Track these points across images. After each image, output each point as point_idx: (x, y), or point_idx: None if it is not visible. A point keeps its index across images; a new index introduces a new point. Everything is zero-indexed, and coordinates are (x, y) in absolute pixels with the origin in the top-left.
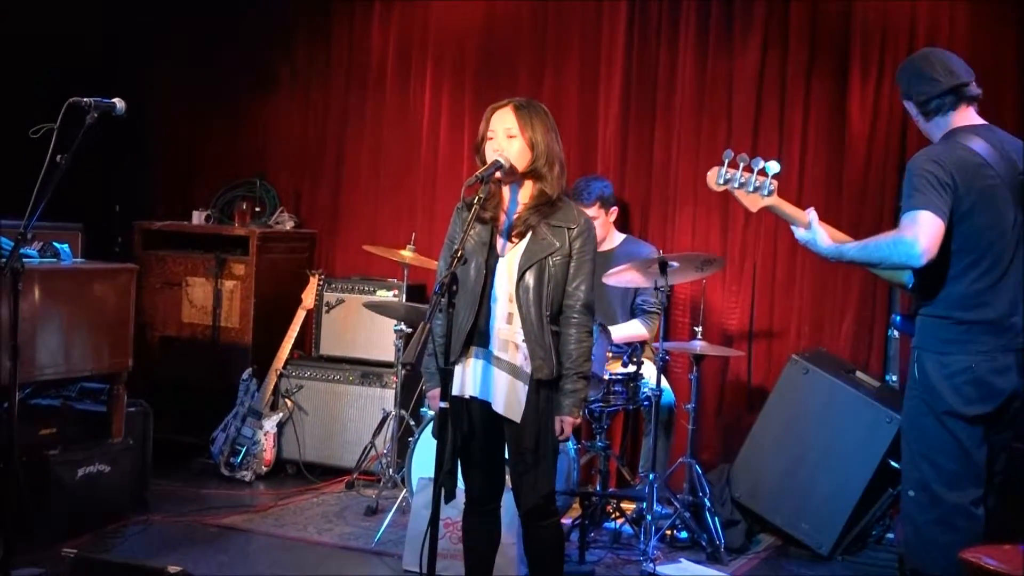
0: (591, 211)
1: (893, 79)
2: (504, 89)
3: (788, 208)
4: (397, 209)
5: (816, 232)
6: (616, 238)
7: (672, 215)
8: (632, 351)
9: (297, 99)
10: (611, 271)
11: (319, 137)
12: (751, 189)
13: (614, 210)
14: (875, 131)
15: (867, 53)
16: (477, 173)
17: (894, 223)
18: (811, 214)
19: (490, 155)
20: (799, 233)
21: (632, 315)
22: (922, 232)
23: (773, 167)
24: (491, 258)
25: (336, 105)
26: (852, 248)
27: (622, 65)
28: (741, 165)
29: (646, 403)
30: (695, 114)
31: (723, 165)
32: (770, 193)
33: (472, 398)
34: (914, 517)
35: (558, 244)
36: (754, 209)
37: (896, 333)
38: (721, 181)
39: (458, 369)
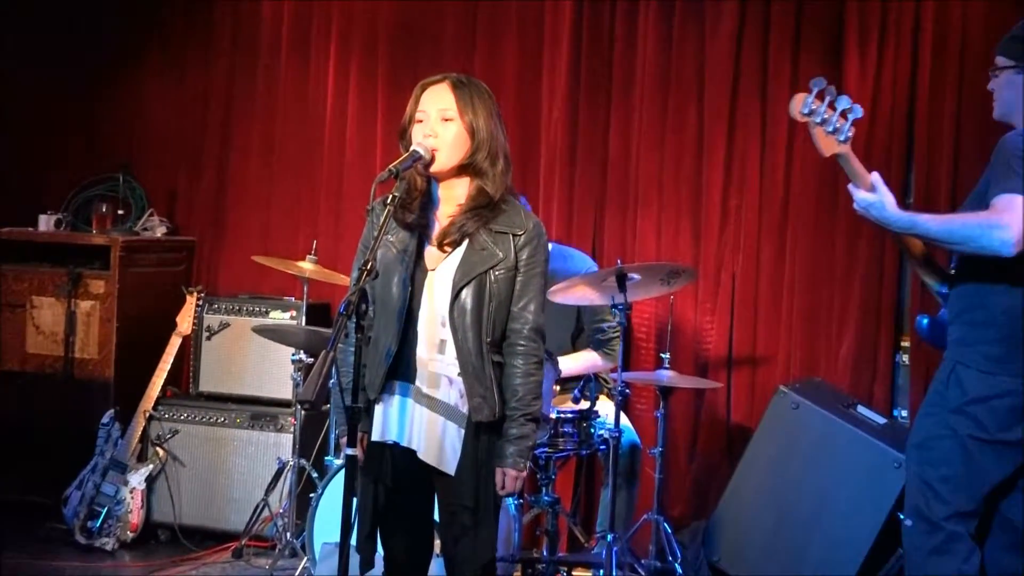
0: None
1: (896, 49)
2: (425, 67)
3: (856, 163)
4: (295, 211)
5: (883, 195)
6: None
7: (632, 217)
8: (584, 384)
9: (170, 78)
10: (557, 286)
11: (198, 124)
12: (830, 129)
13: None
14: (876, 113)
15: (865, 21)
16: (391, 166)
17: None
18: (875, 176)
19: (418, 140)
20: (860, 196)
21: (574, 343)
22: (1019, 220)
23: (857, 111)
24: (417, 272)
25: (219, 86)
26: (929, 220)
27: (569, 36)
28: (827, 99)
29: (603, 447)
30: (659, 95)
31: (811, 93)
32: (846, 140)
33: (394, 444)
34: (913, 548)
35: (501, 255)
36: (827, 153)
37: (906, 358)
38: (806, 111)
39: (377, 409)
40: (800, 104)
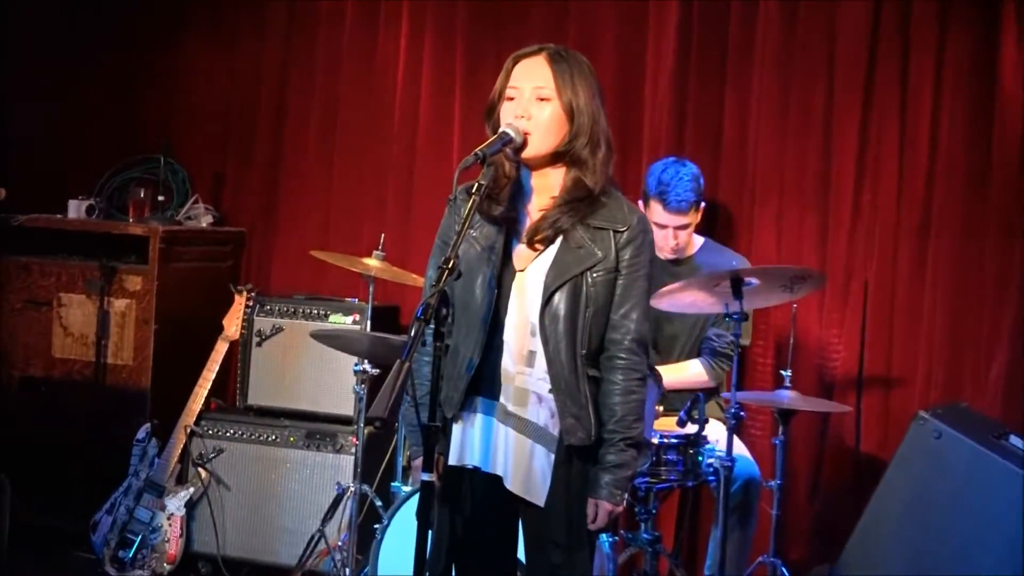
0: (688, 219)
1: None
2: (510, 34)
3: None
4: (359, 200)
5: None
6: (695, 242)
7: (748, 213)
8: (692, 404)
9: (218, 47)
10: (663, 290)
11: (249, 100)
12: None
13: (702, 206)
14: None
15: None
16: (477, 149)
17: None
18: None
19: (508, 121)
20: None
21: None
22: None
23: None
24: (505, 273)
25: (273, 57)
26: None
27: (678, 6)
28: None
29: (712, 479)
30: (781, 72)
31: None
32: None
33: (475, 469)
34: None
35: (600, 254)
36: None
37: None
38: None
39: (456, 429)
40: None
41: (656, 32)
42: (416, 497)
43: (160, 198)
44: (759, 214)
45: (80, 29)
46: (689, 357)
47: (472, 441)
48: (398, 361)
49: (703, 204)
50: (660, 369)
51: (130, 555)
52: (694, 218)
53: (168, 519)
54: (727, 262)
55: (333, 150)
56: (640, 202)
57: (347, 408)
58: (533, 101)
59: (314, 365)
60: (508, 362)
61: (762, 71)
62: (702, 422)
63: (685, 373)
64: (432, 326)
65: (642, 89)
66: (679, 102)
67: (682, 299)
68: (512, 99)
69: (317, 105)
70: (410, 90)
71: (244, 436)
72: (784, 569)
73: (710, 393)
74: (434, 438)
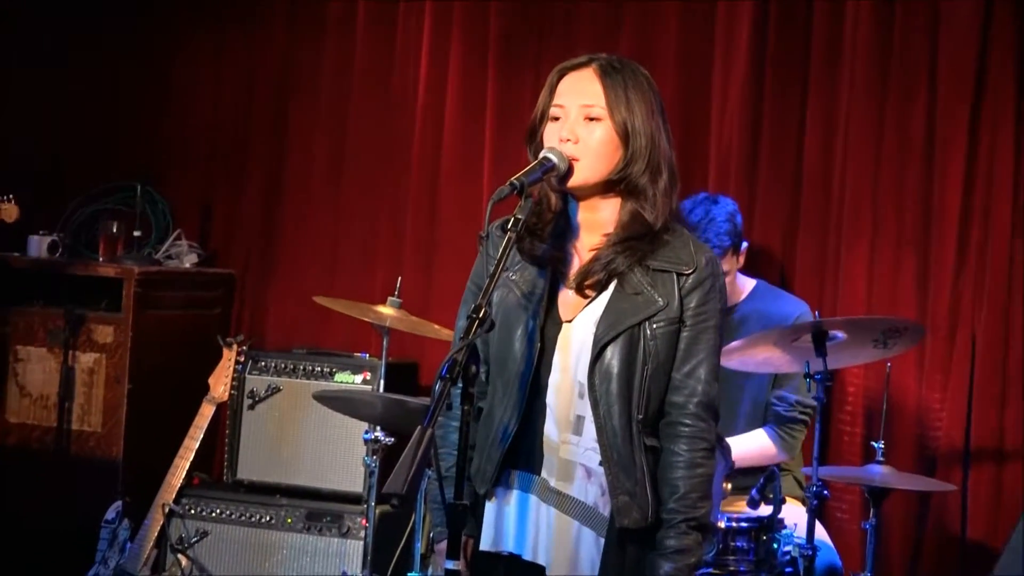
0: (725, 266)
1: None
2: (554, 43)
3: None
4: (372, 237)
5: None
6: (743, 286)
7: (835, 250)
8: (766, 480)
9: (206, 55)
10: (730, 346)
11: (241, 117)
12: None
13: (745, 248)
14: None
15: None
16: (515, 177)
17: None
18: None
19: (551, 144)
20: None
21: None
22: None
23: None
24: (548, 323)
25: (271, 67)
26: None
27: (752, 5)
28: None
29: (789, 570)
30: (875, 84)
31: None
32: None
33: (511, 556)
34: None
35: (661, 301)
36: None
37: None
38: None
39: (489, 508)
40: None
41: (725, 36)
42: None
43: (136, 233)
44: (846, 254)
45: (39, 31)
46: (750, 428)
47: (508, 522)
48: (419, 428)
49: (745, 244)
50: (729, 441)
51: None
52: (732, 264)
53: None
54: (786, 310)
55: (341, 177)
56: None
57: (355, 484)
58: (581, 121)
59: (317, 433)
60: (551, 429)
61: (851, 82)
62: (778, 502)
63: (749, 446)
64: (460, 386)
65: (708, 105)
66: (752, 120)
67: (754, 356)
68: (557, 119)
69: (322, 125)
70: (433, 106)
71: (233, 517)
72: None
73: (786, 469)
74: (461, 519)
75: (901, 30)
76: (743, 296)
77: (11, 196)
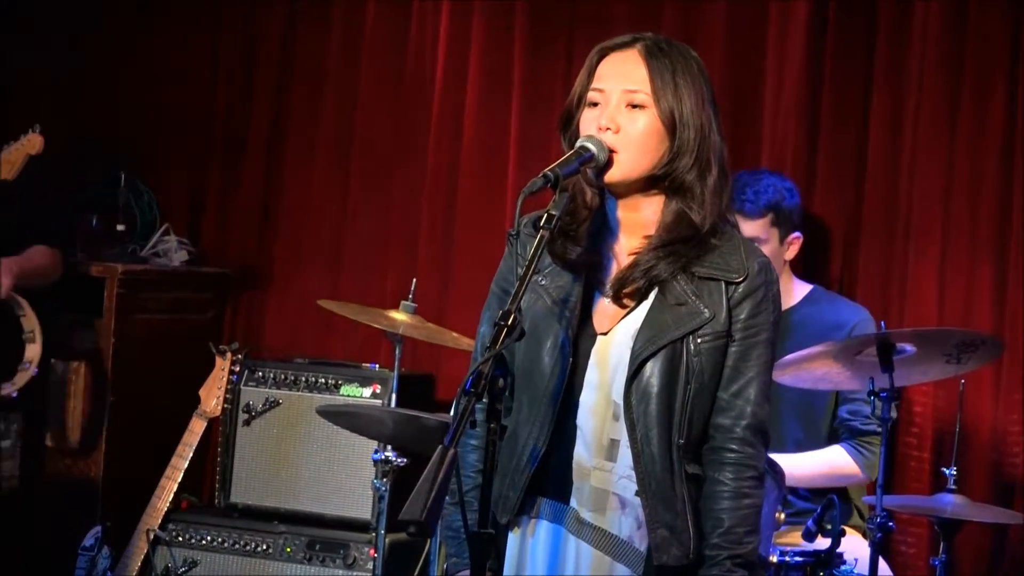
0: (753, 229)
1: None
2: (588, 18)
3: None
4: (383, 235)
5: None
6: (796, 291)
7: (902, 257)
8: (824, 510)
9: (198, 29)
10: (785, 359)
11: (237, 100)
12: None
13: (795, 238)
14: None
15: None
16: (548, 169)
17: None
18: None
19: (588, 132)
20: None
21: (825, 439)
22: None
23: None
24: (582, 335)
25: (271, 43)
26: None
27: None
28: None
29: None
30: (947, 73)
31: None
32: None
33: None
34: None
35: (708, 313)
36: None
37: None
38: None
39: (512, 539)
40: None
41: (779, 18)
42: None
43: (119, 227)
44: (915, 260)
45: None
46: (804, 449)
47: (534, 556)
48: (440, 447)
49: (795, 235)
50: (784, 460)
51: None
52: (767, 232)
53: None
54: (844, 316)
55: (349, 167)
56: None
57: (363, 510)
58: (622, 108)
59: (320, 452)
60: (583, 453)
61: (920, 71)
62: (836, 534)
63: (816, 464)
64: (485, 402)
65: (761, 93)
66: (810, 110)
67: (811, 371)
68: (596, 104)
69: (328, 108)
70: (453, 89)
71: (225, 544)
72: None
73: (846, 497)
74: (483, 550)
75: (977, 14)
76: (797, 299)
77: (37, 126)
